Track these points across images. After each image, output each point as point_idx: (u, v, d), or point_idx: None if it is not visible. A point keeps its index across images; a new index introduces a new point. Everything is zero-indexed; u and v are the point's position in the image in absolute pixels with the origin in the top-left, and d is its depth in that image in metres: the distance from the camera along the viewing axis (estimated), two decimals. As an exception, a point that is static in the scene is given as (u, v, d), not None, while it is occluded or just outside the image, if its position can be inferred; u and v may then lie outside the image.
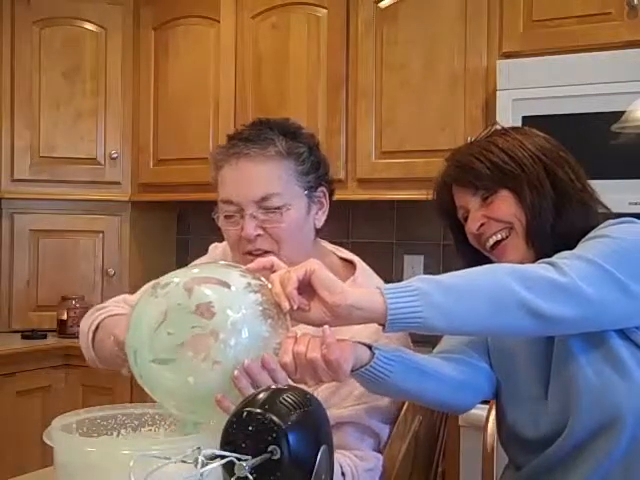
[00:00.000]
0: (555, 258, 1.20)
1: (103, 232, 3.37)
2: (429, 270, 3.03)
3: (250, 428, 0.87)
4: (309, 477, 0.89)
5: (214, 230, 1.49)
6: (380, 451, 1.41)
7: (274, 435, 0.86)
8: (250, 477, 0.84)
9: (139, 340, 1.12)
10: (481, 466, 1.50)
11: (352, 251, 1.57)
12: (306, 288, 1.10)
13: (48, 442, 1.11)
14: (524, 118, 2.38)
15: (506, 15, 2.54)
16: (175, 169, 3.24)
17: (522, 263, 1.23)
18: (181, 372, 1.09)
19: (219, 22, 3.12)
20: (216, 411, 1.08)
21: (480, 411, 1.51)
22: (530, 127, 1.46)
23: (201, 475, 0.81)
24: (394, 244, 3.14)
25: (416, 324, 1.09)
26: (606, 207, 1.37)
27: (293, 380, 1.11)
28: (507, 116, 2.40)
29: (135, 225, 3.43)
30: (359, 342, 1.19)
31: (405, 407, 1.43)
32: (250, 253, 1.41)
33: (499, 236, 1.34)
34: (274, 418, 0.87)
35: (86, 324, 1.53)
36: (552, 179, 1.33)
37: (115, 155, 3.34)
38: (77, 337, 1.60)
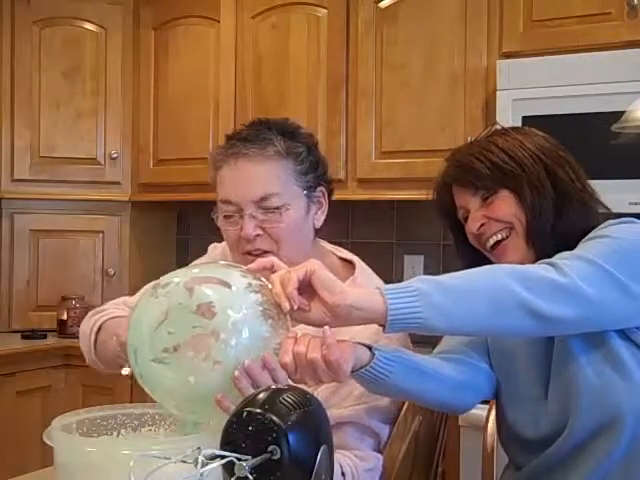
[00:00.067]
0: (555, 258, 1.20)
1: (103, 232, 3.37)
2: (429, 270, 3.03)
3: (250, 428, 0.87)
4: (309, 477, 0.89)
5: (214, 230, 1.49)
6: (380, 451, 1.41)
7: (274, 435, 0.86)
8: (250, 477, 0.84)
9: (139, 339, 1.12)
10: (481, 466, 1.50)
11: (352, 251, 1.57)
12: (306, 288, 1.10)
13: (48, 442, 1.11)
14: (524, 118, 2.38)
15: (506, 15, 2.54)
16: (175, 169, 3.24)
17: (522, 263, 1.23)
18: (181, 372, 1.09)
19: (219, 22, 3.12)
20: (216, 411, 1.08)
21: (480, 411, 1.51)
22: (530, 127, 1.46)
23: (201, 475, 0.81)
24: (394, 244, 3.14)
25: (416, 325, 1.09)
26: (606, 207, 1.37)
27: (293, 380, 1.11)
28: (507, 116, 2.40)
29: (135, 225, 3.43)
30: (359, 343, 1.19)
31: (405, 407, 1.43)
32: (249, 253, 1.41)
33: (499, 236, 1.34)
34: (274, 418, 0.87)
35: (87, 326, 1.53)
36: (552, 179, 1.33)
37: (115, 155, 3.34)
38: (77, 337, 1.59)
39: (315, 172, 1.46)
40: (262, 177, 1.41)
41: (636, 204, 2.23)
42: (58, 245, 3.33)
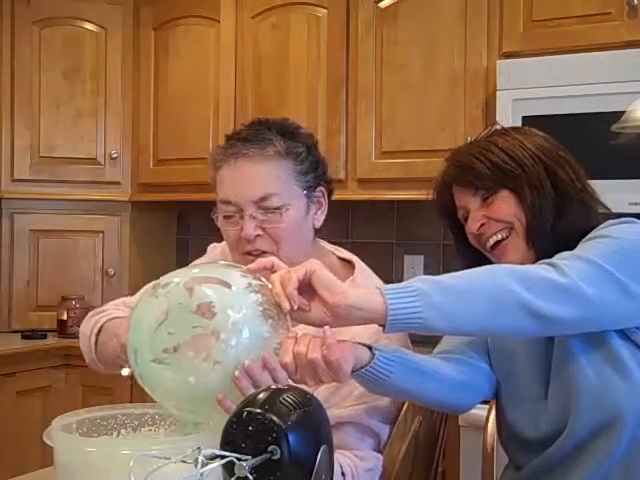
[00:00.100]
0: (555, 259, 1.20)
1: (103, 232, 3.37)
2: (429, 270, 3.03)
3: (250, 428, 0.87)
4: (309, 477, 0.89)
5: (214, 230, 1.49)
6: (380, 451, 1.41)
7: (274, 435, 0.86)
8: (250, 477, 0.84)
9: (139, 340, 1.12)
10: (481, 466, 1.50)
11: (352, 251, 1.57)
12: (306, 288, 1.10)
13: (48, 442, 1.11)
14: (524, 118, 2.38)
15: (506, 15, 2.54)
16: (175, 169, 3.24)
17: (522, 263, 1.23)
18: (182, 372, 1.09)
19: (219, 22, 3.12)
20: (216, 411, 1.08)
21: (480, 411, 1.51)
22: (530, 127, 1.46)
23: (201, 475, 0.81)
24: (394, 244, 3.14)
25: (416, 325, 1.09)
26: (606, 207, 1.37)
27: (293, 380, 1.11)
28: (507, 116, 2.40)
29: (135, 225, 3.43)
30: (359, 343, 1.19)
31: (405, 407, 1.43)
32: (250, 253, 1.41)
33: (499, 236, 1.34)
34: (274, 418, 0.87)
35: (87, 327, 1.53)
36: (552, 179, 1.33)
37: (115, 155, 3.34)
38: (77, 337, 1.59)
39: (315, 172, 1.46)
40: (262, 177, 1.41)
41: (636, 204, 2.23)
42: (58, 245, 3.33)
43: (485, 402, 1.44)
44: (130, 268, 3.39)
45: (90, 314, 1.57)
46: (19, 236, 3.29)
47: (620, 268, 1.17)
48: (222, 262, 1.35)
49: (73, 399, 3.02)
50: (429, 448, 1.55)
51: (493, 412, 1.46)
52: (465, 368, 1.33)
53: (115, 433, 1.25)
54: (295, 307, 1.09)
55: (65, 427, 1.17)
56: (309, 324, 1.12)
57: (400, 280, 1.15)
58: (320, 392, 1.33)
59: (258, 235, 1.40)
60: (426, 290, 1.09)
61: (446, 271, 1.15)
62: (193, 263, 1.57)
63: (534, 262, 1.24)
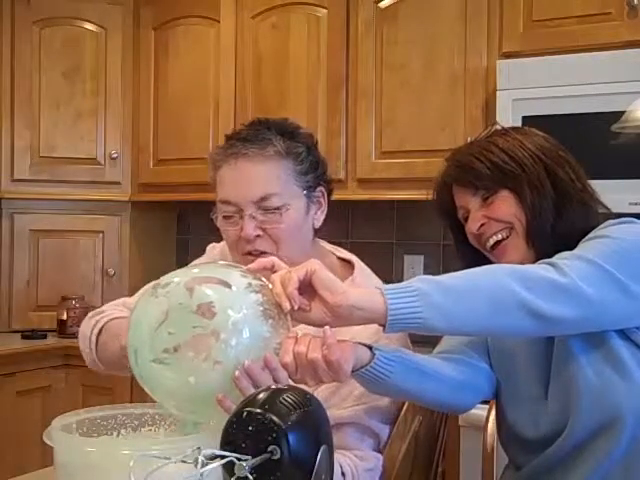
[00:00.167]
0: (555, 258, 1.20)
1: (103, 232, 3.37)
2: (429, 270, 3.03)
3: (250, 428, 0.87)
4: (309, 477, 0.89)
5: (214, 230, 1.49)
6: (380, 451, 1.41)
7: (274, 435, 0.86)
8: (250, 477, 0.84)
9: (140, 340, 1.12)
10: (481, 466, 1.50)
11: (352, 251, 1.57)
12: (307, 288, 1.10)
13: (48, 442, 1.11)
14: (524, 118, 2.38)
15: (506, 15, 2.54)
16: (175, 169, 3.24)
17: (522, 263, 1.23)
18: (182, 372, 1.09)
19: (219, 22, 3.12)
20: (217, 411, 1.08)
21: (480, 411, 1.51)
22: (530, 127, 1.46)
23: (201, 475, 0.81)
24: (394, 244, 3.14)
25: (416, 324, 1.09)
26: (606, 207, 1.37)
27: (293, 380, 1.11)
28: (507, 116, 2.40)
29: (135, 225, 3.43)
30: (359, 343, 1.19)
31: (405, 407, 1.43)
32: (249, 254, 1.41)
33: (499, 236, 1.34)
34: (274, 418, 0.87)
35: (87, 328, 1.52)
36: (552, 179, 1.33)
37: (115, 155, 3.34)
38: (77, 337, 1.59)
39: (315, 172, 1.46)
40: (262, 177, 1.41)
41: (636, 204, 2.23)
42: (58, 245, 3.33)
43: (485, 402, 1.44)
44: (130, 268, 3.39)
45: (90, 315, 1.56)
46: (19, 236, 3.29)
47: (620, 268, 1.17)
48: (222, 262, 1.35)
49: (73, 399, 3.02)
50: (429, 448, 1.55)
51: (493, 412, 1.46)
52: (465, 368, 1.33)
53: (115, 433, 1.25)
54: (295, 307, 1.09)
55: (65, 427, 1.17)
56: (309, 324, 1.12)
57: (400, 280, 1.15)
58: (320, 392, 1.33)
59: (258, 235, 1.40)
60: (426, 290, 1.09)
61: (446, 271, 1.15)
62: (192, 263, 1.57)
63: (534, 262, 1.24)
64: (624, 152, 2.30)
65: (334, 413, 1.32)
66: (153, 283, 1.18)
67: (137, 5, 3.36)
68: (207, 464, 0.82)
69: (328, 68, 2.87)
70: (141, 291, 1.57)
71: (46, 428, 1.14)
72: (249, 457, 0.85)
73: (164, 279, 1.16)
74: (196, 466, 0.82)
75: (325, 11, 2.89)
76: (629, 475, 1.22)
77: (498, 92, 2.47)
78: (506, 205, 1.34)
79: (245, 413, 0.88)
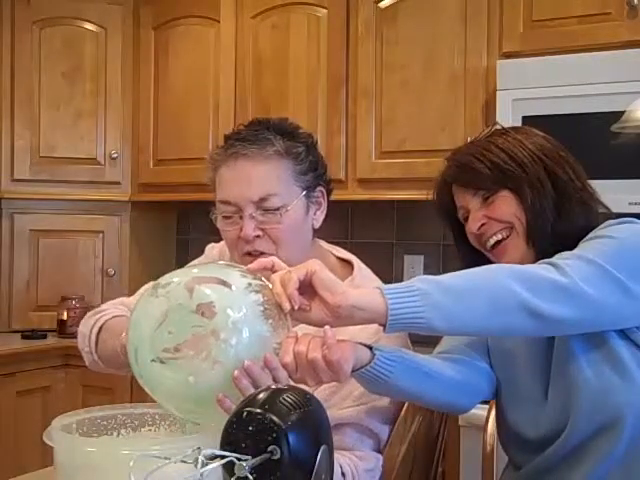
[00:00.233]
0: (556, 258, 1.20)
1: (103, 232, 3.37)
2: (429, 270, 3.03)
3: (250, 428, 0.87)
4: (309, 477, 0.89)
5: (214, 230, 1.49)
6: (380, 451, 1.41)
7: (274, 435, 0.86)
8: (250, 477, 0.84)
9: (140, 339, 1.12)
10: (481, 466, 1.50)
11: (352, 251, 1.57)
12: (307, 289, 1.10)
13: (48, 442, 1.11)
14: (524, 118, 2.38)
15: (506, 15, 2.54)
16: (175, 169, 3.24)
17: (522, 263, 1.23)
18: (181, 371, 1.09)
19: (219, 22, 3.12)
20: (216, 411, 1.08)
21: (480, 411, 1.51)
22: (530, 127, 1.46)
23: (201, 475, 0.81)
24: (394, 244, 3.14)
25: (416, 324, 1.09)
26: (606, 207, 1.37)
27: (293, 380, 1.11)
28: (507, 116, 2.40)
29: (135, 225, 3.43)
30: (359, 343, 1.19)
31: (405, 407, 1.43)
32: (249, 254, 1.40)
33: (499, 236, 1.34)
34: (274, 418, 0.87)
35: (86, 327, 1.52)
36: (552, 179, 1.33)
37: (115, 155, 3.34)
38: (77, 337, 1.59)
39: (314, 172, 1.46)
40: (262, 177, 1.40)
41: (636, 204, 2.23)
42: (58, 245, 3.33)
43: (485, 402, 1.44)
44: (130, 268, 3.39)
45: (89, 314, 1.56)
46: (19, 236, 3.29)
47: (620, 268, 1.17)
48: (222, 262, 1.35)
49: (73, 399, 3.02)
50: (429, 448, 1.55)
51: (493, 412, 1.46)
52: (465, 368, 1.33)
53: (115, 433, 1.25)
54: (296, 307, 1.09)
55: (65, 427, 1.18)
56: (309, 324, 1.12)
57: (400, 280, 1.15)
58: (320, 392, 1.33)
59: (257, 236, 1.40)
60: (426, 290, 1.09)
61: (446, 271, 1.15)
62: (191, 263, 1.57)
63: (534, 262, 1.24)
64: (624, 152, 2.30)
65: (334, 413, 1.32)
66: (153, 283, 1.18)
67: (137, 5, 3.36)
68: (207, 464, 0.82)
69: (328, 68, 2.87)
70: (141, 291, 1.57)
71: (46, 428, 1.14)
72: (249, 457, 0.85)
73: (164, 279, 1.16)
74: (196, 466, 0.82)
75: (325, 11, 2.89)
76: (629, 475, 1.22)
77: (498, 92, 2.47)
78: (506, 205, 1.34)
79: (245, 413, 0.88)
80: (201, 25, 3.20)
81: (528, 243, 1.33)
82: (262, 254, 1.39)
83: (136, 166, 3.37)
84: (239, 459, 0.84)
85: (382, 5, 2.77)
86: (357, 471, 1.33)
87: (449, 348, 1.37)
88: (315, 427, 0.92)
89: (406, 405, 1.43)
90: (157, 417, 1.27)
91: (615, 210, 1.38)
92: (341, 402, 1.37)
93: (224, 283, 1.11)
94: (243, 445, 0.86)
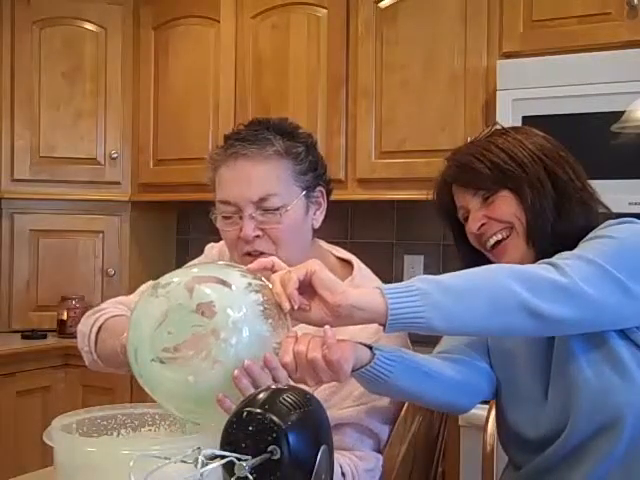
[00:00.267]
0: (555, 258, 1.20)
1: (103, 232, 3.37)
2: (429, 270, 3.03)
3: (250, 428, 0.87)
4: (309, 477, 0.89)
5: (214, 230, 1.49)
6: (380, 451, 1.41)
7: (274, 435, 0.86)
8: (250, 477, 0.84)
9: (140, 339, 1.12)
10: (481, 466, 1.50)
11: (352, 251, 1.57)
12: (307, 288, 1.10)
13: (48, 442, 1.11)
14: (524, 118, 2.38)
15: (506, 15, 2.54)
16: (175, 169, 3.24)
17: (522, 263, 1.23)
18: (181, 371, 1.09)
19: (219, 22, 3.12)
20: (216, 411, 1.08)
21: (480, 411, 1.51)
22: (530, 127, 1.46)
23: (201, 475, 0.81)
24: (394, 244, 3.14)
25: (416, 324, 1.09)
26: (606, 207, 1.37)
27: (293, 380, 1.11)
28: (507, 116, 2.40)
29: (135, 225, 3.43)
30: (359, 342, 1.19)
31: (405, 407, 1.43)
32: (249, 254, 1.40)
33: (499, 236, 1.34)
34: (274, 418, 0.87)
35: (86, 326, 1.52)
36: (552, 179, 1.33)
37: (115, 155, 3.34)
38: (77, 337, 1.59)
39: (314, 172, 1.46)
40: (262, 177, 1.40)
41: (636, 204, 2.23)
42: (58, 245, 3.33)
43: (485, 402, 1.44)
44: (130, 268, 3.39)
45: (88, 313, 1.56)
46: (19, 236, 3.29)
47: (620, 268, 1.17)
48: (222, 262, 1.35)
49: (73, 399, 3.02)
50: (429, 448, 1.55)
51: (493, 412, 1.46)
52: (465, 368, 1.33)
53: (115, 433, 1.25)
54: (296, 307, 1.09)
55: (65, 427, 1.18)
56: (309, 324, 1.12)
57: (400, 280, 1.15)
58: (320, 392, 1.33)
59: (257, 236, 1.40)
60: (426, 290, 1.09)
61: (446, 271, 1.15)
62: (190, 263, 1.58)
63: (534, 262, 1.24)
64: (624, 152, 2.30)
65: (334, 413, 1.32)
66: (153, 283, 1.18)
67: (137, 5, 3.36)
68: (207, 464, 0.82)
69: (328, 68, 2.87)
70: (140, 289, 1.58)
71: (46, 428, 1.14)
72: (249, 457, 0.85)
73: (164, 279, 1.16)
74: (196, 466, 0.82)
75: (325, 11, 2.89)
76: (629, 475, 1.22)
77: (498, 92, 2.47)
78: (506, 205, 1.34)
79: (245, 413, 0.88)
80: (201, 25, 3.20)
81: (528, 243, 1.33)
82: (262, 254, 1.39)
83: (136, 166, 3.37)
84: (239, 459, 0.84)
85: (382, 5, 2.77)
86: (357, 471, 1.33)
87: (449, 348, 1.37)
88: (315, 427, 0.92)
89: (406, 405, 1.43)
90: (157, 417, 1.27)
91: (615, 210, 1.38)
92: (341, 402, 1.37)
93: (224, 283, 1.12)
94: (243, 445, 0.86)
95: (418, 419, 1.47)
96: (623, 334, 1.23)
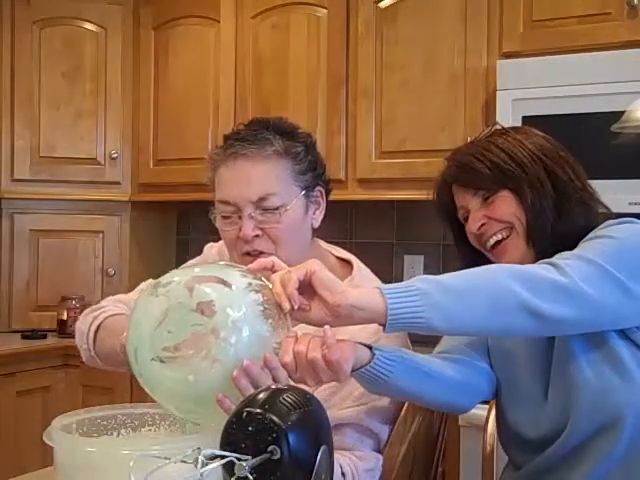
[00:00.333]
0: (556, 258, 1.20)
1: (103, 232, 3.37)
2: (429, 270, 3.03)
3: (250, 428, 0.87)
4: (309, 477, 0.88)
5: (214, 230, 1.49)
6: (380, 451, 1.41)
7: (274, 435, 0.86)
8: (250, 477, 0.84)
9: (140, 339, 1.12)
10: (481, 466, 1.50)
11: (352, 251, 1.57)
12: (306, 288, 1.10)
13: (48, 442, 1.11)
14: (524, 118, 2.38)
15: (506, 15, 2.54)
16: (175, 169, 3.24)
17: (522, 263, 1.23)
18: (181, 370, 1.09)
19: (219, 22, 3.12)
20: (216, 410, 1.08)
21: (480, 411, 1.51)
22: (530, 127, 1.46)
23: (201, 475, 0.81)
24: (394, 244, 3.14)
25: (416, 324, 1.09)
26: (606, 207, 1.37)
27: (293, 380, 1.11)
28: (507, 116, 2.40)
29: (135, 225, 3.43)
30: (359, 342, 1.19)
31: (405, 407, 1.43)
32: (248, 254, 1.40)
33: (499, 236, 1.34)
34: (274, 418, 0.87)
35: (84, 324, 1.53)
36: (552, 179, 1.33)
37: (115, 155, 3.34)
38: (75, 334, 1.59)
39: (313, 172, 1.46)
40: (261, 177, 1.40)
41: (636, 204, 2.23)
42: (58, 245, 3.33)
43: (485, 402, 1.44)
44: (130, 268, 3.39)
45: (87, 311, 1.57)
46: (19, 236, 3.29)
47: (620, 268, 1.17)
48: (223, 262, 1.35)
49: (73, 399, 3.02)
50: (429, 448, 1.55)
51: (493, 412, 1.46)
52: (465, 368, 1.33)
53: (115, 433, 1.25)
54: (295, 307, 1.09)
55: (65, 427, 1.18)
56: (309, 324, 1.12)
57: (400, 280, 1.15)
58: (320, 392, 1.33)
59: (257, 235, 1.40)
60: (426, 290, 1.09)
61: (446, 271, 1.15)
62: (189, 262, 1.58)
63: (534, 262, 1.24)
64: (624, 152, 2.30)
65: (334, 413, 1.32)
66: (154, 282, 1.18)
67: (137, 5, 3.36)
68: (207, 464, 0.82)
69: (328, 68, 2.87)
70: (139, 287, 1.58)
71: (46, 428, 1.14)
72: (249, 457, 0.85)
73: (164, 278, 1.16)
74: (196, 466, 0.82)
75: (325, 11, 2.89)
76: (629, 475, 1.22)
77: (498, 92, 2.47)
78: (506, 205, 1.34)
79: (245, 413, 0.88)
80: (201, 25, 3.20)
81: (528, 243, 1.33)
82: (261, 254, 1.39)
83: (136, 166, 3.37)
84: (239, 459, 0.84)
85: (382, 5, 2.77)
86: (357, 471, 1.33)
87: (449, 348, 1.37)
88: (315, 427, 0.92)
89: (406, 405, 1.43)
90: (157, 417, 1.27)
91: (615, 210, 1.38)
92: (341, 402, 1.37)
93: (224, 282, 1.12)
94: (243, 445, 0.86)
95: (418, 419, 1.47)
96: (623, 334, 1.23)
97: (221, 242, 1.55)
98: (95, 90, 3.33)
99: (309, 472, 0.89)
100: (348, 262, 1.53)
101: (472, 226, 1.37)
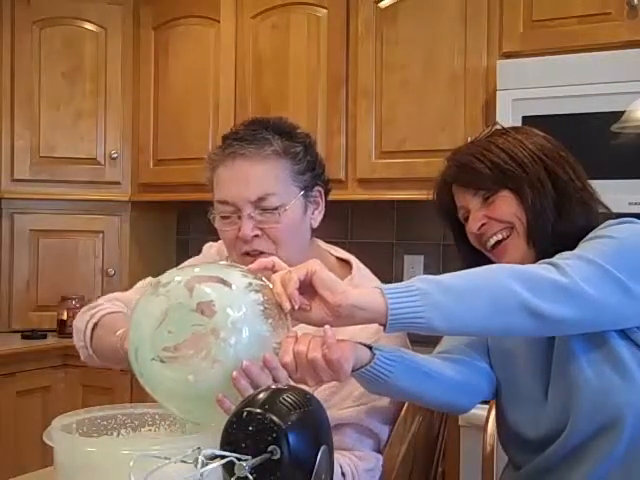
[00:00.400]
0: (556, 259, 1.20)
1: (103, 232, 3.37)
2: (429, 270, 3.03)
3: (250, 428, 0.87)
4: (309, 477, 0.88)
5: (214, 230, 1.49)
6: (380, 451, 1.41)
7: (274, 435, 0.86)
8: (250, 477, 0.84)
9: (140, 339, 1.12)
10: (481, 466, 1.50)
11: (352, 251, 1.57)
12: (307, 288, 1.10)
13: (48, 442, 1.11)
14: (524, 118, 2.38)
15: (506, 15, 2.54)
16: (175, 169, 3.24)
17: (522, 263, 1.23)
18: (181, 370, 1.09)
19: (219, 22, 3.12)
20: (216, 410, 1.08)
21: (480, 411, 1.51)
22: (530, 127, 1.46)
23: (201, 475, 0.81)
24: (394, 244, 3.14)
25: (417, 324, 1.09)
26: (606, 207, 1.37)
27: (293, 380, 1.11)
28: (507, 116, 2.40)
29: (135, 225, 3.43)
30: (359, 342, 1.19)
31: (405, 408, 1.43)
32: (247, 254, 1.40)
33: (500, 236, 1.34)
34: (274, 418, 0.87)
35: (82, 322, 1.53)
36: (553, 179, 1.33)
37: (115, 155, 3.34)
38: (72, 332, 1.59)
39: (312, 172, 1.46)
40: (260, 177, 1.40)
41: (636, 204, 2.23)
42: (58, 245, 3.33)
43: (485, 402, 1.44)
44: (130, 268, 3.39)
45: (84, 309, 1.57)
46: (19, 236, 3.29)
47: (620, 268, 1.17)
48: (223, 262, 1.35)
49: (73, 399, 3.02)
50: (429, 448, 1.55)
51: (493, 412, 1.46)
52: (465, 368, 1.33)
53: (115, 433, 1.25)
54: (296, 307, 1.09)
55: (65, 427, 1.17)
56: (310, 324, 1.12)
57: (400, 280, 1.15)
58: (320, 392, 1.33)
59: (256, 235, 1.40)
60: (426, 290, 1.09)
61: (446, 271, 1.15)
62: (188, 262, 1.58)
63: (534, 262, 1.24)
64: (624, 152, 2.30)
65: (334, 413, 1.32)
66: (154, 281, 1.18)
67: (137, 5, 3.36)
68: (207, 464, 0.82)
69: (328, 68, 2.87)
70: (137, 285, 1.58)
71: (46, 428, 1.14)
72: (249, 457, 0.85)
73: (164, 278, 1.16)
74: (196, 466, 0.82)
75: (325, 11, 2.89)
76: (629, 475, 1.22)
77: (498, 92, 2.47)
78: (507, 205, 1.34)
79: (245, 413, 0.88)
80: (201, 25, 3.20)
81: (528, 243, 1.33)
82: (261, 254, 1.39)
83: (136, 166, 3.37)
84: (239, 459, 0.84)
85: (382, 5, 2.77)
86: (357, 471, 1.33)
87: (449, 348, 1.37)
88: (315, 427, 0.92)
89: (406, 405, 1.43)
90: (157, 417, 1.27)
91: (615, 210, 1.38)
92: (341, 402, 1.37)
93: (224, 282, 1.11)
94: (243, 445, 0.86)
95: (418, 419, 1.47)
96: (624, 334, 1.23)
97: (220, 242, 1.55)
98: (95, 90, 3.33)
99: (309, 472, 0.89)
100: (347, 262, 1.53)
101: (472, 226, 1.37)
